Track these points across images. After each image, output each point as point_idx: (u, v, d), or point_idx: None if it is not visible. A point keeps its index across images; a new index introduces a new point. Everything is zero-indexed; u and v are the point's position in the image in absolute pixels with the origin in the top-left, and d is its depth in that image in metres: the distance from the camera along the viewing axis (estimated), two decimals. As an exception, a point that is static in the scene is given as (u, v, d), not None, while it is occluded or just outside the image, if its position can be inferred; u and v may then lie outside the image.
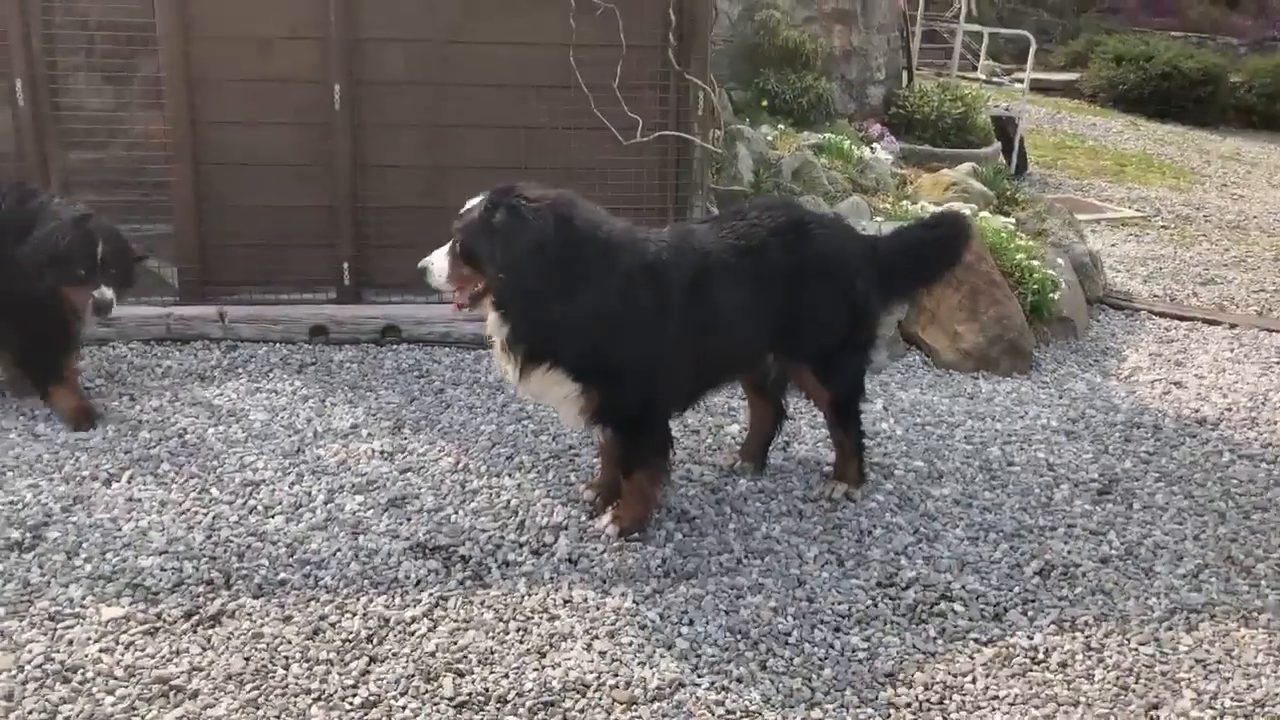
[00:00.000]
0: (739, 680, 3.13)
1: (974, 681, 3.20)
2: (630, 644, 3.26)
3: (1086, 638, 3.43)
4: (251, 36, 5.49)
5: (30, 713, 2.84)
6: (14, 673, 2.98)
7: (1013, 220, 6.89)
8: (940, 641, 3.37)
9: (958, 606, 3.56)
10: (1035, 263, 6.31)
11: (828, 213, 4.27)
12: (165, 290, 5.75)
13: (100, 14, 5.47)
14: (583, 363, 3.58)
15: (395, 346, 5.57)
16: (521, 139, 5.69)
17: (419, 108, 5.68)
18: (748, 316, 3.85)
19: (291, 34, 5.51)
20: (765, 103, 8.44)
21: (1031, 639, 3.40)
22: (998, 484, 4.44)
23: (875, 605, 3.53)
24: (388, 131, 5.68)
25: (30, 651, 3.07)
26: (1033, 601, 3.61)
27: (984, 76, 14.42)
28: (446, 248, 3.57)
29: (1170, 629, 3.52)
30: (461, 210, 3.56)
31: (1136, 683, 3.24)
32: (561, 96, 5.58)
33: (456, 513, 3.95)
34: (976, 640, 3.39)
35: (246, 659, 3.10)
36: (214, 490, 4.02)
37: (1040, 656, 3.33)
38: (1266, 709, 3.16)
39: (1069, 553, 3.92)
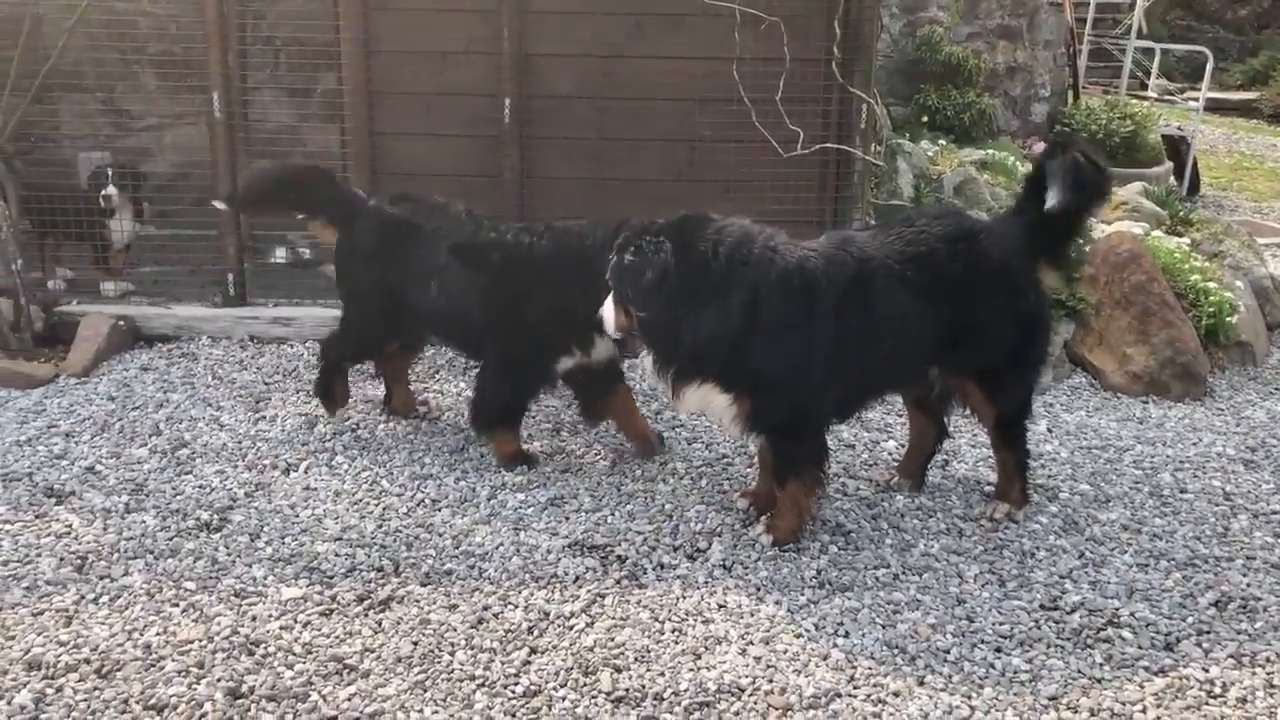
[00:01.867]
0: (895, 694, 3.09)
1: (1144, 711, 3.08)
2: (785, 651, 3.26)
3: (1268, 674, 3.26)
4: (429, 51, 5.73)
5: (219, 680, 3.02)
6: (205, 643, 3.18)
7: (1187, 241, 6.61)
8: (1107, 668, 3.26)
9: (1126, 634, 3.43)
10: (1211, 285, 6.04)
11: (998, 223, 4.14)
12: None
13: (288, 31, 5.80)
14: (728, 375, 3.65)
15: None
16: (683, 152, 5.77)
17: (584, 121, 5.82)
18: (911, 326, 3.78)
19: (466, 49, 5.72)
20: (925, 119, 8.31)
21: (1207, 671, 3.25)
22: (1169, 511, 4.26)
23: (1038, 628, 3.44)
24: (554, 144, 5.84)
25: (219, 624, 3.27)
26: (1208, 633, 3.45)
27: (1155, 95, 13.86)
28: (610, 297, 3.73)
29: (1360, 670, 3.31)
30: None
31: (1322, 724, 3.07)
32: (724, 110, 5.63)
33: (613, 514, 4.03)
34: (1147, 669, 3.26)
35: (415, 643, 3.23)
36: (384, 483, 4.20)
37: (1217, 690, 3.18)
38: None
39: (1248, 585, 3.74)
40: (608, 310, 3.73)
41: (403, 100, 5.80)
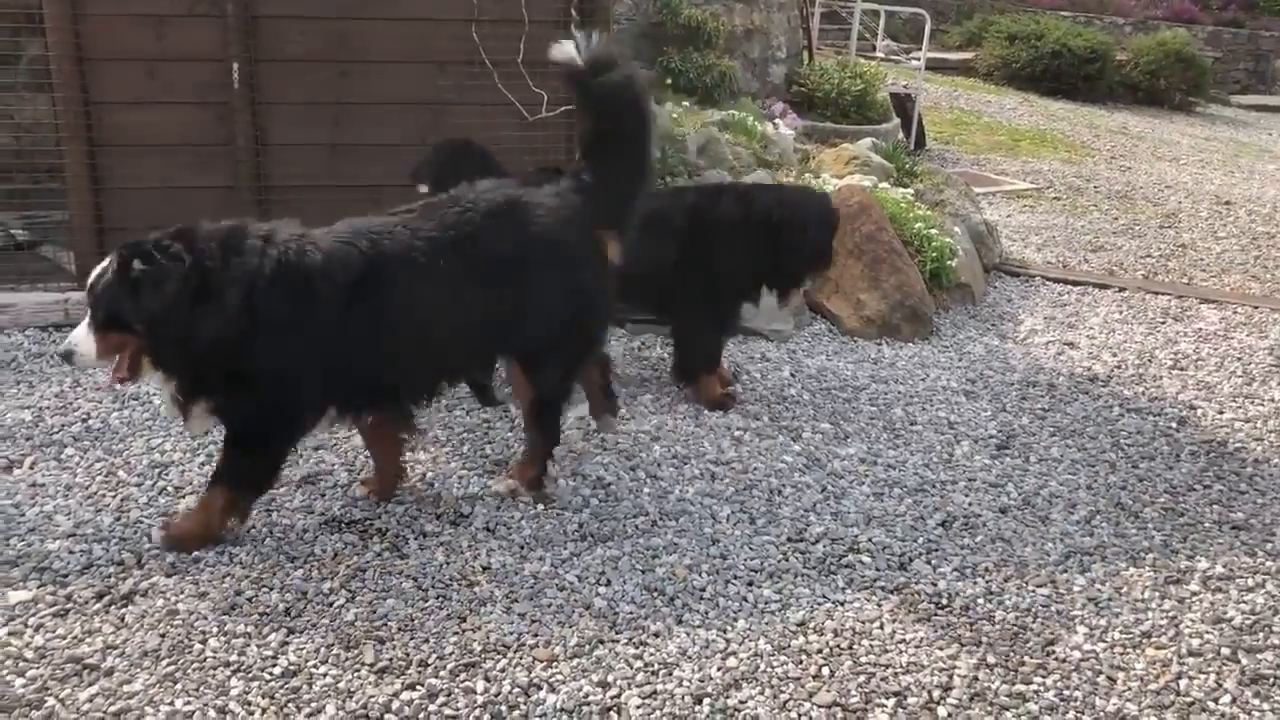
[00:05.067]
0: (656, 635, 3.21)
1: (882, 627, 3.33)
2: (549, 605, 3.32)
3: (988, 583, 3.59)
4: (145, 14, 5.37)
5: (-62, 697, 2.79)
6: (-81, 659, 2.92)
7: (911, 191, 7.08)
8: (849, 591, 3.50)
9: (865, 558, 3.69)
10: (934, 231, 6.50)
11: (551, 192, 3.85)
12: (62, 276, 5.61)
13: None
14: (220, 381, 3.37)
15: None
16: (426, 116, 5.67)
17: (321, 85, 5.62)
18: (443, 316, 3.58)
19: (188, 11, 5.40)
20: (669, 81, 8.50)
21: (935, 585, 3.55)
22: (901, 442, 4.59)
23: (786, 559, 3.65)
24: (289, 110, 5.61)
25: (-65, 637, 3.01)
26: (936, 551, 3.76)
27: (882, 55, 14.69)
28: (84, 323, 3.30)
29: (1065, 571, 3.69)
30: (91, 279, 3.32)
31: (1034, 622, 3.40)
32: (466, 72, 5.57)
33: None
34: (883, 589, 3.52)
35: (162, 635, 3.07)
36: (121, 473, 3.96)
37: (944, 601, 3.47)
38: (1153, 639, 3.35)
39: (970, 504, 4.09)
40: (82, 336, 3.28)
41: (120, 67, 5.41)
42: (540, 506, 3.86)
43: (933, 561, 3.69)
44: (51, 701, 2.80)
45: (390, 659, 3.04)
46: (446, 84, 5.66)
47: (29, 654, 2.98)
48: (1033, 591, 3.56)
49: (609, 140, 3.83)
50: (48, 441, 4.18)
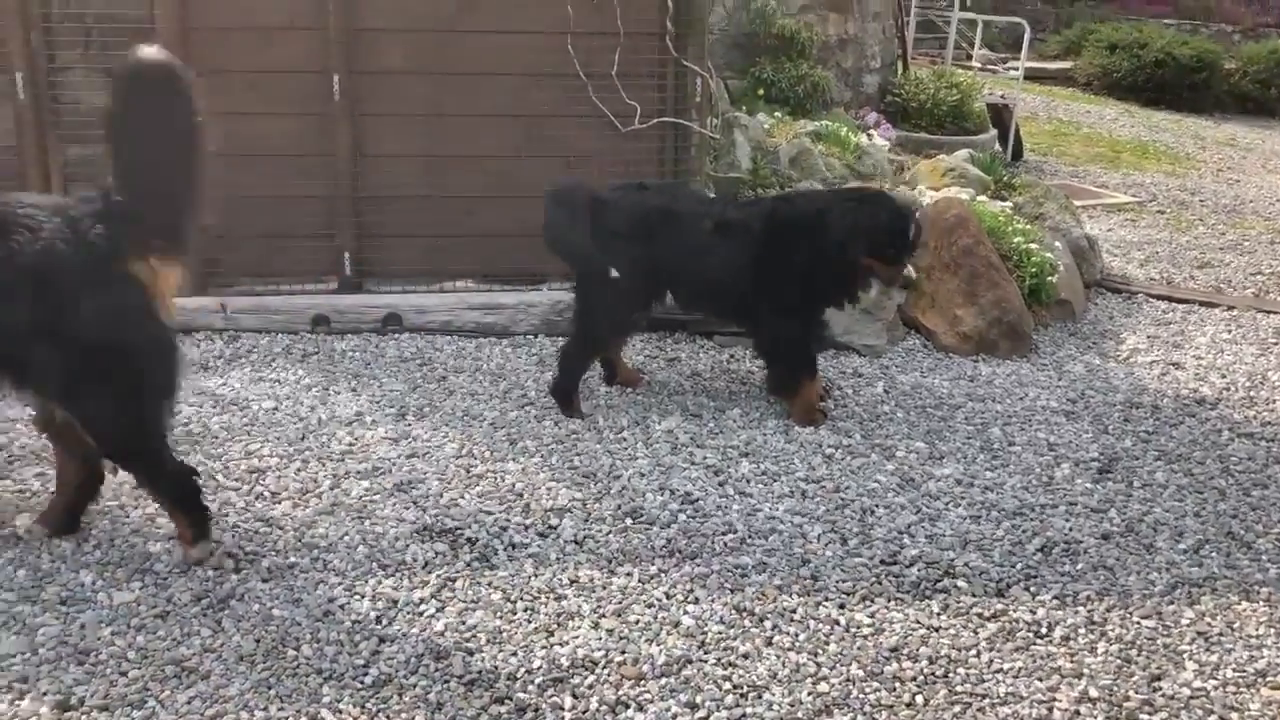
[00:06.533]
0: (745, 656, 3.16)
1: (978, 655, 3.23)
2: (637, 622, 3.29)
3: (1089, 612, 3.46)
4: (251, 27, 5.51)
5: (45, 693, 2.87)
6: (29, 655, 3.01)
7: (1010, 205, 6.92)
8: (944, 617, 3.40)
9: (961, 583, 3.59)
10: (1033, 246, 6.34)
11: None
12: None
13: (99, 7, 5.49)
14: None
15: (397, 336, 5.59)
16: (520, 127, 5.71)
17: (418, 97, 5.70)
18: None
19: (290, 24, 5.53)
20: (761, 91, 8.45)
21: (1034, 613, 3.43)
22: (999, 464, 4.47)
23: (879, 582, 3.56)
24: (388, 121, 5.70)
25: (44, 635, 3.09)
26: (1035, 577, 3.64)
27: (979, 65, 14.43)
28: None
29: (1172, 603, 3.55)
30: None
31: (1139, 655, 3.27)
32: (561, 85, 5.60)
33: (462, 497, 3.98)
34: (980, 615, 3.42)
35: (257, 641, 3.12)
36: (220, 477, 4.04)
37: (1043, 630, 3.36)
38: (1268, 678, 3.19)
39: (1070, 530, 3.96)
40: None
41: (225, 79, 5.56)
42: (629, 521, 3.84)
43: (1032, 588, 3.58)
44: (152, 702, 2.86)
45: (479, 671, 3.04)
46: (540, 96, 5.69)
47: (131, 654, 3.04)
48: (1137, 623, 3.42)
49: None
50: (151, 444, 4.28)
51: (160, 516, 3.73)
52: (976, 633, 3.33)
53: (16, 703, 2.84)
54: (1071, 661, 3.22)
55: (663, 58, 5.74)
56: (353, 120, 5.65)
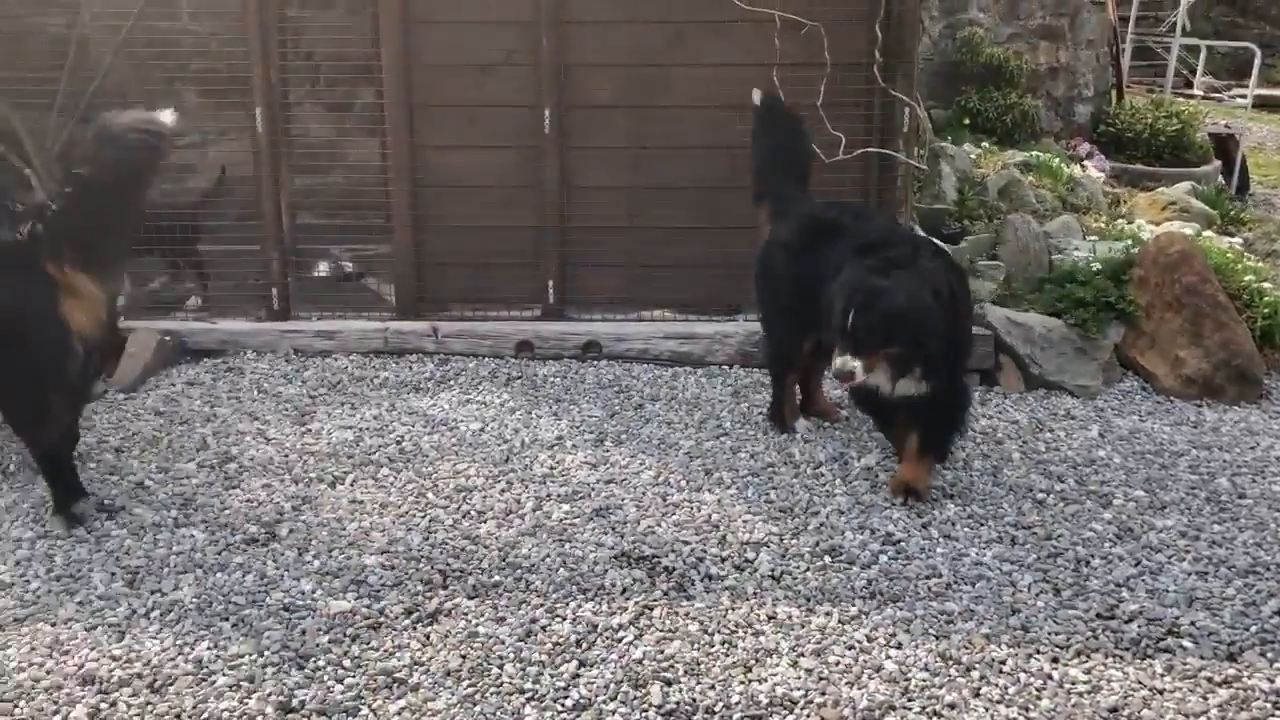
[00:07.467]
0: (951, 706, 3.04)
1: (1208, 723, 3.01)
2: (837, 663, 3.21)
3: (1336, 684, 3.17)
4: (469, 64, 5.75)
5: (270, 694, 3.03)
6: (255, 657, 3.18)
7: (1239, 240, 6.49)
8: (1169, 679, 3.18)
9: (1187, 643, 3.35)
10: (1266, 285, 5.91)
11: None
12: (383, 306, 6.07)
13: (328, 47, 5.85)
14: None
15: (596, 362, 5.69)
16: (723, 159, 5.74)
17: (624, 130, 5.82)
18: None
19: (506, 61, 5.74)
20: (967, 121, 8.22)
21: (1273, 682, 3.16)
22: (1228, 517, 4.16)
23: (1096, 637, 3.37)
24: (594, 154, 5.84)
25: (269, 638, 3.27)
26: (1273, 643, 3.36)
27: (1201, 93, 13.65)
28: None
29: None
30: None
31: (1396, 736, 2.97)
32: (764, 117, 5.59)
33: (659, 525, 4.00)
34: (1210, 680, 3.18)
35: (463, 656, 3.21)
36: (430, 495, 4.20)
37: (1283, 702, 3.10)
38: None
39: (1313, 593, 3.64)
40: None
41: (443, 113, 5.83)
42: (827, 559, 3.76)
43: (1269, 654, 3.30)
44: (365, 710, 2.98)
45: (677, 702, 3.03)
46: (744, 128, 5.70)
47: (346, 663, 3.18)
48: (1393, 701, 3.12)
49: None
50: (366, 461, 4.50)
51: (375, 531, 3.90)
52: (1206, 698, 3.10)
53: (245, 701, 3.01)
54: (1316, 738, 2.96)
55: (869, 88, 5.67)
56: (561, 153, 5.81)
